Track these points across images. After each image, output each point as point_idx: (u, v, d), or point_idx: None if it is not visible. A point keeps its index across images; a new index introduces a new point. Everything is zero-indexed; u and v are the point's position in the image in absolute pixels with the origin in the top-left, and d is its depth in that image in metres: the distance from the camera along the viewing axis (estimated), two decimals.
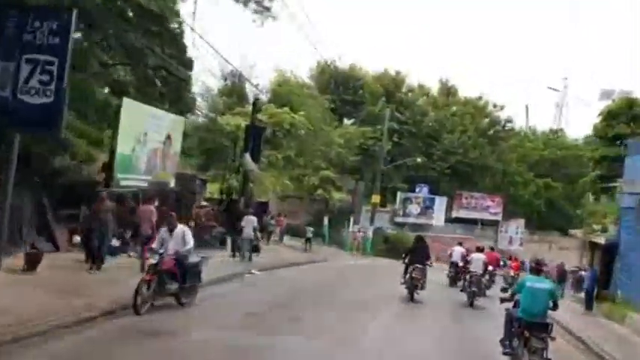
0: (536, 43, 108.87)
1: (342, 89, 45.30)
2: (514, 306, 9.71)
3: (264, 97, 29.75)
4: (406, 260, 16.30)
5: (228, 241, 22.59)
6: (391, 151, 45.00)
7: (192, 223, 20.30)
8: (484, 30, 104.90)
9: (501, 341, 9.78)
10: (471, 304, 16.27)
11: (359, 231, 38.28)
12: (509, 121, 53.51)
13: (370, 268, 28.01)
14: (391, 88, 46.99)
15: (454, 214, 49.38)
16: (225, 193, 24.92)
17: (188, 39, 21.42)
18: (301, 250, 32.31)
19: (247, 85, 29.30)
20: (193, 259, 11.04)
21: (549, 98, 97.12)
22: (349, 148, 40.25)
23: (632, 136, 26.25)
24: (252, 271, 17.43)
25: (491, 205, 51.22)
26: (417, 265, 15.73)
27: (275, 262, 22.23)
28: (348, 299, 14.77)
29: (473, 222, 50.57)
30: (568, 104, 64.83)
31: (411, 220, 46.08)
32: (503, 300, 10.03)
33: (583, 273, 26.90)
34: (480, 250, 19.12)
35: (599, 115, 31.97)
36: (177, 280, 10.49)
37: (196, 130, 29.36)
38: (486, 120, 52.97)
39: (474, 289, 16.43)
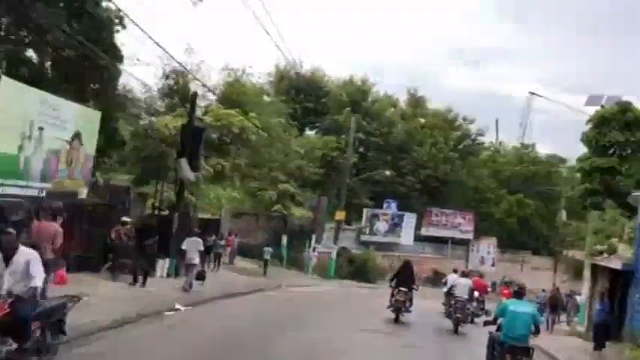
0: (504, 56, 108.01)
1: (303, 97, 41.86)
2: (497, 329, 9.76)
3: (211, 97, 26.00)
4: (392, 284, 16.90)
5: (160, 263, 18.71)
6: (357, 164, 41.63)
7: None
8: (452, 41, 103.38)
9: None
10: (456, 331, 16.03)
11: (313, 250, 34.48)
12: (480, 134, 50.90)
13: (334, 299, 24.25)
14: (357, 97, 43.75)
15: (423, 232, 46.18)
16: (157, 208, 20.94)
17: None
18: (256, 274, 28.49)
19: (193, 85, 25.44)
20: (49, 302, 7.19)
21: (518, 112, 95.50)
22: (311, 160, 36.71)
23: (626, 144, 23.53)
24: (177, 307, 13.48)
25: (462, 223, 48.21)
26: (402, 289, 16.30)
27: (219, 291, 18.52)
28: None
29: (443, 241, 47.50)
30: (531, 123, 63.86)
31: (378, 238, 42.63)
32: (486, 323, 10.41)
33: (578, 298, 25.01)
34: (465, 275, 18.56)
35: (589, 121, 29.02)
36: (18, 338, 6.60)
37: (133, 136, 25.39)
38: (457, 133, 50.20)
39: (458, 315, 16.12)
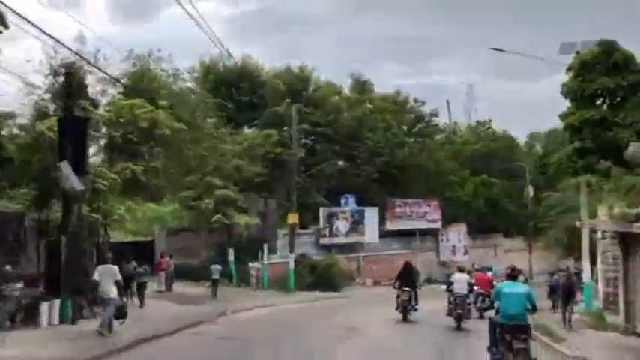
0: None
1: (235, 91, 36.84)
2: (496, 313, 10.11)
3: (114, 92, 20.72)
4: (396, 285, 17.96)
5: (44, 307, 13.56)
6: (305, 160, 36.91)
7: None
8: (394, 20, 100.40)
9: (488, 348, 10.28)
10: (459, 327, 16.16)
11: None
12: (434, 114, 46.96)
13: (295, 320, 19.49)
14: (297, 86, 39.05)
15: (388, 227, 41.78)
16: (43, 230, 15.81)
17: None
18: (200, 300, 23.51)
19: (91, 79, 20.20)
20: None
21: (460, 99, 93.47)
22: (252, 160, 31.77)
23: (617, 90, 19.48)
24: None
25: (429, 211, 44.07)
26: (405, 289, 17.48)
27: (137, 333, 13.65)
28: None
29: (410, 233, 43.25)
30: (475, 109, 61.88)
31: (339, 240, 37.95)
32: (485, 309, 12.98)
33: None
34: (461, 270, 18.36)
35: (569, 69, 24.77)
36: None
37: (22, 149, 20.00)
38: (409, 116, 46.17)
39: (459, 311, 16.19)
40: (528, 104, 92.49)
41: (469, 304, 16.91)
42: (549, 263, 45.84)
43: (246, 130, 35.10)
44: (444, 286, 17.91)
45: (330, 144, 37.72)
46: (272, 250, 32.08)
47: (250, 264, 30.60)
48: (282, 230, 33.62)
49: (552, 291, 22.55)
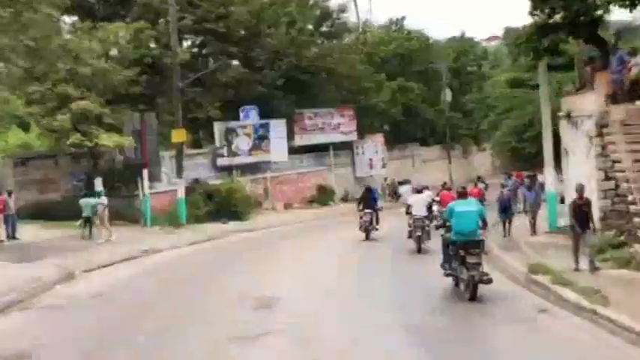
0: None
1: None
2: (447, 232, 10.91)
3: None
4: (360, 207, 19.82)
5: None
6: (192, 64, 29.95)
7: None
8: None
9: (441, 265, 11.20)
10: (419, 250, 16.39)
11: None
12: (342, 10, 40.63)
13: (177, 277, 14.73)
14: None
15: (298, 142, 36.23)
16: None
17: None
18: (57, 249, 17.29)
19: None
20: None
21: None
22: (121, 63, 24.56)
23: None
24: None
25: (343, 123, 38.79)
26: (367, 211, 19.49)
27: None
28: None
29: (322, 148, 38.05)
30: None
31: (241, 159, 31.95)
32: (437, 227, 12.54)
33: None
34: (418, 191, 18.59)
35: None
36: None
37: None
38: (315, 13, 39.65)
39: (418, 233, 16.37)
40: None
41: (428, 225, 16.78)
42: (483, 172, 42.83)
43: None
44: (402, 209, 18.25)
45: (223, 44, 30.79)
46: (155, 178, 25.66)
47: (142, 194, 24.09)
48: (169, 152, 27.18)
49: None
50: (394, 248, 17.43)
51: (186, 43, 32.50)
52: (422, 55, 46.25)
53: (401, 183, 40.08)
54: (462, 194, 11.10)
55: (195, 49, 32.36)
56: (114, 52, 25.08)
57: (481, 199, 25.70)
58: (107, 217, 20.17)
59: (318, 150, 37.61)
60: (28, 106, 21.95)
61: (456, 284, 10.69)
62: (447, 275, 10.87)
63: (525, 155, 36.42)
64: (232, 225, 26.07)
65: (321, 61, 34.70)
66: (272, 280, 12.95)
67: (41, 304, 11.42)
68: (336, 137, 38.18)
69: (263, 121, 32.77)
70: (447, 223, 10.85)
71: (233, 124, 31.62)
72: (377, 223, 19.80)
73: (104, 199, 20.41)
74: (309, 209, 34.18)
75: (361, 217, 19.49)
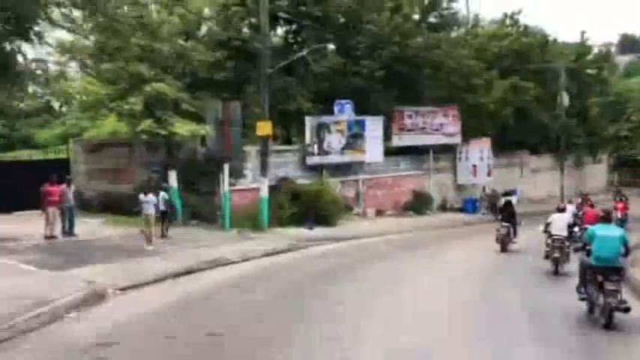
0: None
1: None
2: (587, 255, 10.27)
3: None
4: (499, 217, 19.78)
5: None
6: (285, 51, 27.24)
7: None
8: None
9: (577, 288, 10.67)
10: (556, 272, 15.24)
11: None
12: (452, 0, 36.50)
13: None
14: None
15: (395, 142, 32.65)
16: None
17: None
18: (134, 240, 14.98)
19: None
20: None
21: None
22: (207, 45, 22.13)
23: None
24: None
25: (446, 123, 34.85)
26: (504, 224, 19.26)
27: None
28: None
29: (422, 150, 34.28)
30: None
31: (332, 158, 28.84)
32: (576, 250, 11.41)
33: None
34: (560, 210, 16.52)
35: None
36: None
37: None
38: (424, 1, 35.78)
39: (556, 255, 15.08)
40: None
41: (568, 247, 15.30)
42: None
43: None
44: (541, 227, 16.38)
45: (320, 31, 27.78)
46: (238, 174, 23.08)
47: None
48: (255, 147, 24.53)
49: None
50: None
51: (280, 30, 29.90)
52: (539, 53, 41.20)
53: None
54: (606, 218, 10.69)
55: (291, 36, 29.47)
56: (202, 31, 22.68)
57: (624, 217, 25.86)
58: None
59: (416, 152, 33.89)
60: (103, 87, 19.86)
61: (590, 310, 10.25)
62: (582, 300, 10.50)
63: None
64: (318, 231, 23.04)
65: (426, 53, 30.89)
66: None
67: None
68: (439, 139, 34.30)
69: (358, 118, 29.46)
70: (587, 247, 10.34)
71: (325, 118, 28.53)
72: (515, 236, 19.57)
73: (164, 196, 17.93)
74: (404, 217, 30.65)
75: (498, 230, 19.43)
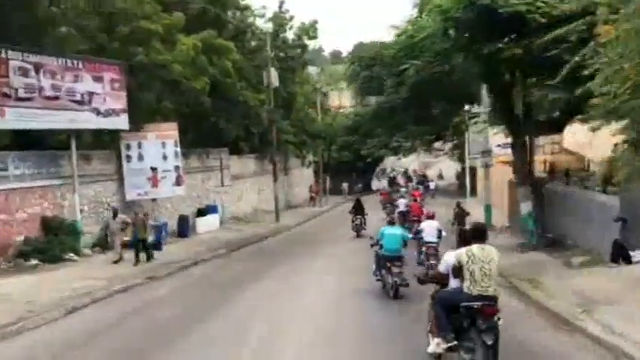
0: None
1: None
2: (380, 248, 13.12)
3: None
4: (351, 211, 25.37)
5: None
6: None
7: None
8: None
9: (373, 272, 13.48)
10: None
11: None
12: None
13: None
14: None
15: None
16: None
17: None
18: None
19: None
20: None
21: None
22: None
23: None
24: None
25: (101, 93, 19.74)
26: (357, 216, 24.90)
27: None
28: None
29: (57, 142, 18.31)
30: None
31: None
32: (372, 245, 13.59)
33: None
34: (430, 217, 16.71)
35: None
36: None
37: None
38: None
39: (432, 261, 14.98)
40: None
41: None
42: None
43: None
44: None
45: None
46: None
47: None
48: None
49: None
50: None
51: None
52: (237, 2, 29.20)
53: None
54: (389, 222, 14.44)
55: None
56: None
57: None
58: None
59: (43, 145, 17.92)
60: None
61: (384, 286, 12.99)
62: (378, 280, 13.23)
63: None
64: None
65: None
66: None
67: None
68: (88, 120, 19.04)
69: None
70: (380, 242, 13.14)
71: None
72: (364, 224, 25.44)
73: None
74: (19, 276, 14.37)
75: (352, 221, 25.30)
